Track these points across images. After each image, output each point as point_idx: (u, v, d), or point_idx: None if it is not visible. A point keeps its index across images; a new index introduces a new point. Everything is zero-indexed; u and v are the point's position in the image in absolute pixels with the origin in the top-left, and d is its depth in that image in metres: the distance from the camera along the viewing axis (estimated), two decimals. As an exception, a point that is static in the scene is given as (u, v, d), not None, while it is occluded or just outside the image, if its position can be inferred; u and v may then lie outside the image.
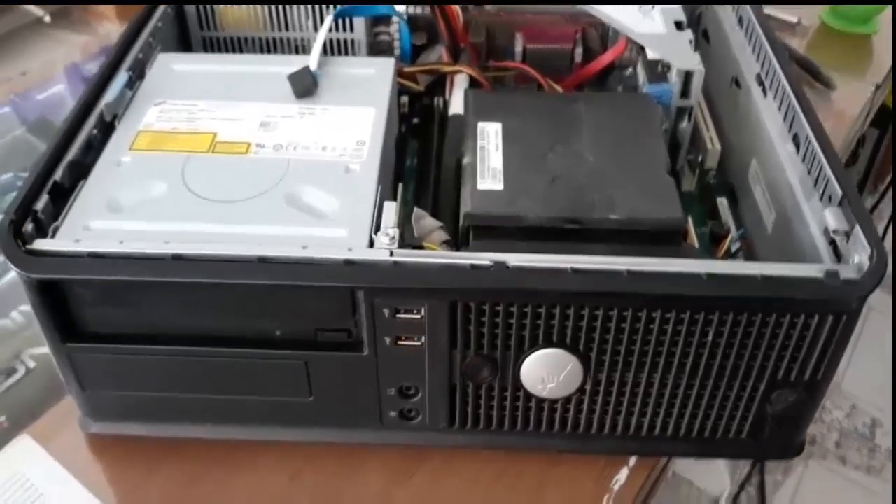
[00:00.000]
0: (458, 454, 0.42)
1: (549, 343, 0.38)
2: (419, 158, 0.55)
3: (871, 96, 0.70)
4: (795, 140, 0.45)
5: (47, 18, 0.93)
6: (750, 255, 0.49)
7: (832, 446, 1.18)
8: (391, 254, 0.36)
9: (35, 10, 0.93)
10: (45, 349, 0.39)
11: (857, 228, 0.38)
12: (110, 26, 0.96)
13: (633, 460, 0.43)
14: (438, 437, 0.42)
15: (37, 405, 0.45)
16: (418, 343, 0.38)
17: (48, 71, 0.85)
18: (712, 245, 0.51)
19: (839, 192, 0.39)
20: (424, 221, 0.43)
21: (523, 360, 0.38)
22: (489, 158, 0.42)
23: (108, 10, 0.98)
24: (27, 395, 0.46)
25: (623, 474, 0.42)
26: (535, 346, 0.38)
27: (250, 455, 0.42)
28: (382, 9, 0.55)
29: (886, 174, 1.31)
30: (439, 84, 0.57)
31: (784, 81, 0.46)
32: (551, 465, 0.42)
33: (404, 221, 0.42)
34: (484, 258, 0.36)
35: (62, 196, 0.39)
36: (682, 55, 0.49)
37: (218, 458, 0.42)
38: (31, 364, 0.47)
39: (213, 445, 0.42)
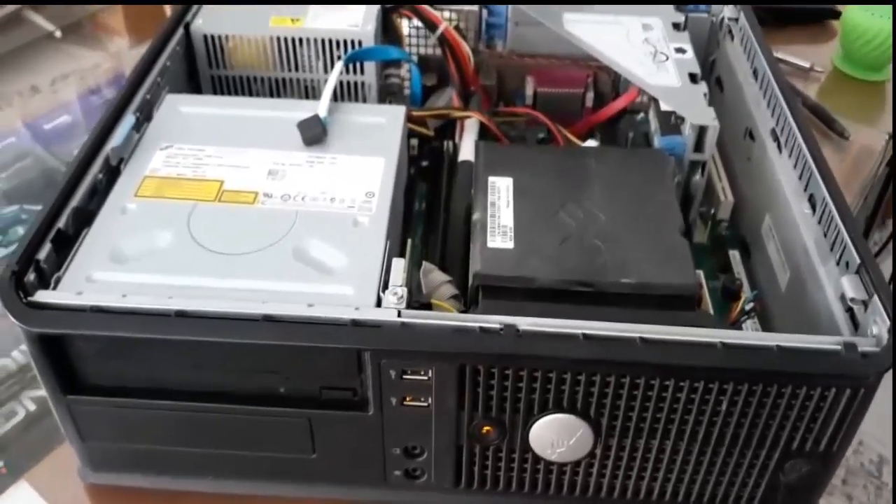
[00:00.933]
0: (463, 516, 0.41)
1: (559, 408, 0.37)
2: (428, 202, 0.55)
3: (885, 145, 0.70)
4: (811, 200, 0.44)
5: (58, 33, 0.93)
6: (764, 316, 0.48)
7: (839, 483, 1.16)
8: (399, 314, 0.36)
9: (46, 24, 0.93)
10: (45, 392, 0.38)
11: (876, 298, 0.37)
12: (121, 41, 0.96)
13: (641, 526, 0.42)
14: (444, 497, 0.41)
15: (36, 450, 0.44)
16: (425, 404, 0.37)
17: (58, 86, 0.85)
18: (724, 300, 0.50)
19: (857, 259, 0.39)
20: (433, 276, 0.42)
21: (532, 423, 0.37)
22: (500, 215, 0.41)
23: (119, 24, 0.98)
24: (26, 438, 0.45)
25: (632, 541, 0.41)
26: (544, 411, 0.37)
27: (251, 510, 0.41)
28: (393, 52, 0.54)
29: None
30: (449, 127, 0.57)
31: (800, 139, 0.46)
32: (558, 530, 0.41)
33: (412, 273, 0.41)
34: (494, 321, 0.35)
35: (66, 244, 0.38)
36: (696, 109, 0.49)
37: (218, 512, 0.41)
38: (31, 407, 0.46)
39: (214, 499, 0.41)
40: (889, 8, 0.73)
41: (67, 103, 0.80)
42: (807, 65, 0.77)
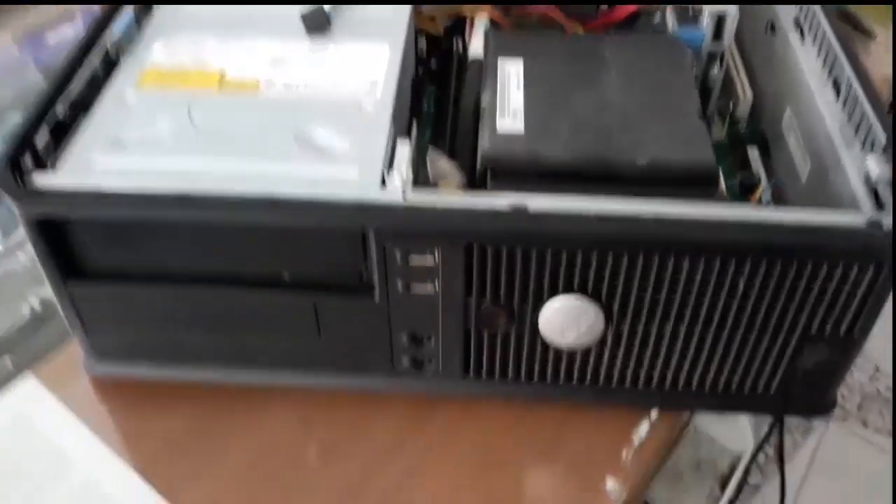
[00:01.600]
0: (473, 404, 0.41)
1: (569, 291, 0.36)
2: (437, 104, 0.53)
3: (913, 47, 0.67)
4: (836, 86, 0.42)
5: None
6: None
7: (854, 408, 1.16)
8: (404, 195, 0.35)
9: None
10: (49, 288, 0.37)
11: (902, 175, 0.35)
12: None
13: (654, 413, 0.41)
14: (452, 386, 0.40)
15: (42, 346, 0.44)
16: (431, 289, 0.36)
17: (63, 13, 0.83)
18: (742, 197, 0.48)
19: (883, 138, 0.37)
20: (440, 163, 0.41)
21: (542, 308, 0.36)
22: (510, 98, 0.40)
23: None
24: (32, 335, 0.45)
25: (644, 428, 0.40)
26: (554, 294, 0.36)
27: (259, 401, 0.41)
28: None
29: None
30: (459, 27, 0.55)
31: (825, 24, 0.44)
32: (569, 416, 0.41)
33: (419, 163, 0.40)
34: (502, 201, 0.34)
35: (64, 131, 0.38)
36: (715, -5, 0.47)
37: (226, 403, 0.41)
38: (38, 306, 0.46)
39: (220, 390, 0.41)
40: None
41: (70, 16, 0.78)
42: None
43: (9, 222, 0.48)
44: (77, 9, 0.77)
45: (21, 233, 0.35)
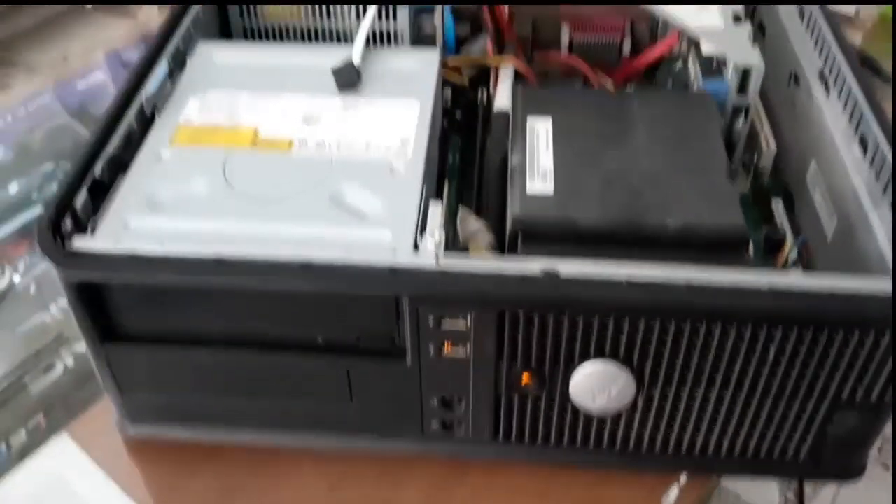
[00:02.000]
0: (502, 468, 0.41)
1: (600, 356, 0.36)
2: (462, 155, 0.53)
3: (933, 93, 0.67)
4: (862, 143, 0.42)
5: (89, 5, 0.93)
6: (809, 265, 0.47)
7: (874, 452, 1.15)
8: (437, 259, 0.35)
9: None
10: (84, 347, 0.38)
11: (933, 241, 0.35)
12: (150, 11, 0.95)
13: (683, 478, 0.41)
14: (482, 449, 0.40)
15: (75, 404, 0.44)
16: (463, 353, 0.36)
17: (89, 55, 0.85)
18: (766, 252, 0.48)
19: (912, 200, 0.37)
20: (469, 222, 0.41)
21: (573, 372, 0.37)
22: (539, 158, 0.40)
23: (150, -7, 0.97)
24: (66, 392, 0.45)
25: (673, 493, 0.40)
26: (585, 359, 0.36)
27: (290, 463, 0.41)
28: (427, -2, 0.53)
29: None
30: (484, 77, 0.55)
31: (850, 79, 0.44)
32: (599, 481, 0.41)
33: (449, 221, 0.40)
34: (534, 266, 0.35)
35: (101, 192, 0.38)
36: (740, 50, 0.47)
37: (257, 465, 0.41)
38: (70, 362, 0.47)
39: (252, 452, 0.41)
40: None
41: (99, 65, 0.80)
42: (851, 12, 0.74)
43: (44, 275, 0.49)
44: (102, 58, 0.78)
45: (56, 287, 0.35)
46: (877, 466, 1.14)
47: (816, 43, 0.49)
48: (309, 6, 0.52)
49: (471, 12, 0.58)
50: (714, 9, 0.50)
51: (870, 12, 0.75)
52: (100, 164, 0.39)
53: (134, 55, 0.82)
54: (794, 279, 0.34)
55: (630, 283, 0.34)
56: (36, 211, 0.56)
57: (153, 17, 0.95)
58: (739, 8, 0.51)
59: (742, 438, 0.39)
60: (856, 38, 0.72)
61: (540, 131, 0.42)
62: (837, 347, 0.35)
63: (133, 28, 0.90)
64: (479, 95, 0.55)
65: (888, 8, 0.75)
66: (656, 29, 0.58)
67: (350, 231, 0.36)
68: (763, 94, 0.55)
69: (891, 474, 1.12)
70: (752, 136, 0.52)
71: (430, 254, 0.35)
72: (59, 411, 0.45)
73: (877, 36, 0.74)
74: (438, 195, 0.39)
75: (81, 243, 0.35)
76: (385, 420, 0.40)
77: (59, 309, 0.49)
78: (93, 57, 0.83)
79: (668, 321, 0.35)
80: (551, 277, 0.34)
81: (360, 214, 0.37)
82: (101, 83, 0.74)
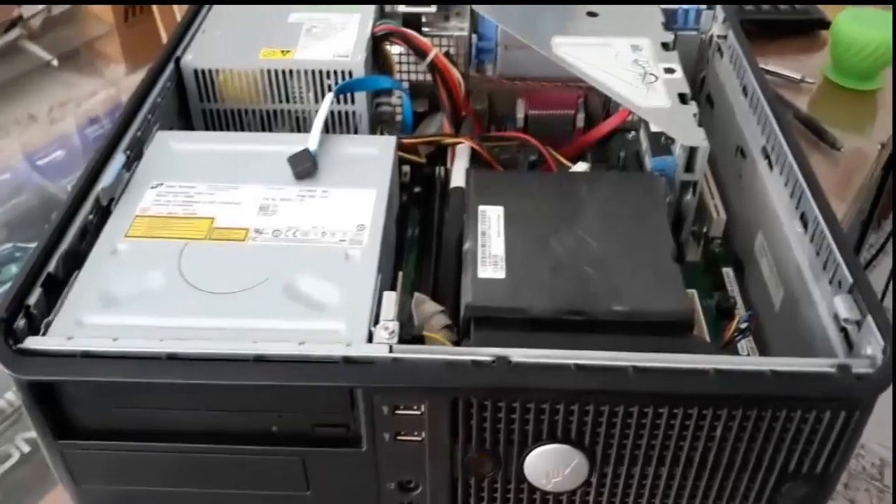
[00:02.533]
0: (461, 550, 0.41)
1: (552, 439, 0.37)
2: (421, 228, 0.55)
3: (877, 155, 0.70)
4: (803, 219, 0.44)
5: (55, 62, 0.94)
6: (759, 334, 0.48)
7: (841, 487, 1.16)
8: (391, 350, 0.36)
9: (43, 54, 0.94)
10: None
11: (869, 319, 0.37)
12: (117, 68, 0.97)
13: (641, 552, 0.41)
14: (440, 531, 0.41)
15: (31, 492, 0.44)
16: (419, 438, 0.37)
17: (56, 113, 0.86)
18: (719, 318, 0.50)
19: (849, 279, 0.38)
20: (425, 307, 0.42)
21: (527, 455, 0.37)
22: (490, 244, 0.41)
23: (115, 52, 0.99)
24: (22, 481, 0.45)
25: (631, 570, 0.41)
26: (538, 442, 0.37)
27: (248, 549, 0.41)
28: (384, 82, 0.54)
29: (889, 211, 1.30)
30: (441, 153, 0.57)
31: (790, 157, 0.46)
32: (557, 559, 0.41)
33: (405, 305, 0.41)
34: (485, 354, 0.35)
35: (56, 287, 0.39)
36: (686, 130, 0.49)
37: (214, 554, 0.41)
38: (26, 448, 0.46)
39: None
40: (877, 16, 0.73)
41: (64, 134, 0.80)
42: (798, 76, 0.77)
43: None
44: (71, 126, 0.79)
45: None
46: (842, 502, 1.15)
47: (759, 120, 0.51)
48: (267, 87, 0.53)
49: (428, 88, 0.60)
50: (660, 88, 0.52)
51: (816, 75, 0.78)
52: (55, 259, 0.39)
53: (104, 119, 0.83)
54: (736, 361, 0.36)
55: (578, 366, 0.35)
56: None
57: (119, 75, 0.96)
58: (685, 86, 0.52)
59: (696, 513, 0.39)
60: (802, 102, 0.75)
61: (492, 217, 0.43)
62: (781, 424, 0.36)
63: (100, 86, 0.91)
64: (437, 171, 0.56)
65: (832, 70, 0.78)
66: (609, 102, 0.60)
67: (304, 323, 0.37)
68: (713, 164, 0.57)
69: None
70: (703, 205, 0.54)
71: (383, 345, 0.36)
72: (15, 500, 0.44)
73: (823, 99, 0.77)
74: (394, 286, 0.40)
75: (34, 343, 0.35)
76: (343, 506, 0.40)
77: (14, 394, 0.48)
78: (60, 120, 0.84)
79: (617, 405, 0.35)
80: (503, 364, 0.35)
81: (314, 305, 0.38)
82: (65, 156, 0.75)
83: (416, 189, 0.56)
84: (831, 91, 0.78)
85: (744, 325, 0.46)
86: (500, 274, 0.40)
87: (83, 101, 0.89)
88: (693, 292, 0.51)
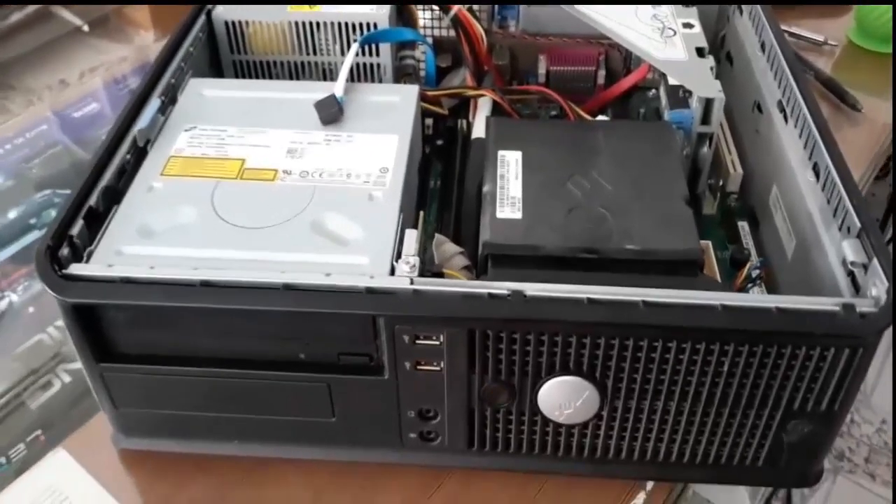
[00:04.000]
0: (477, 476, 0.43)
1: (565, 371, 0.38)
2: (442, 180, 0.56)
3: (898, 117, 0.70)
4: (815, 169, 0.45)
5: (85, 28, 0.96)
6: (770, 283, 0.49)
7: (861, 461, 1.16)
8: (411, 282, 0.37)
9: (73, 19, 0.95)
10: (79, 364, 0.40)
11: (875, 261, 0.38)
12: (146, 35, 0.98)
13: (650, 485, 0.43)
14: (457, 458, 0.43)
15: (72, 419, 0.47)
16: (437, 368, 0.39)
17: (86, 79, 0.87)
18: (733, 270, 0.51)
19: (858, 224, 0.40)
20: (445, 247, 0.44)
21: (540, 386, 0.39)
22: (509, 187, 0.43)
23: (144, 19, 1.00)
24: (63, 408, 0.48)
25: (640, 498, 0.43)
26: (551, 374, 0.38)
27: (276, 472, 0.43)
28: (408, 34, 0.56)
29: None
30: (463, 106, 0.58)
31: (805, 110, 0.47)
32: (569, 488, 0.43)
33: (426, 246, 0.43)
34: (501, 287, 0.37)
35: (97, 220, 0.41)
36: (702, 82, 0.50)
37: (244, 474, 0.43)
38: (67, 379, 0.49)
39: (240, 462, 0.43)
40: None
41: (95, 93, 0.82)
42: (821, 38, 0.77)
43: (42, 296, 0.51)
44: (99, 83, 0.81)
45: (53, 308, 0.38)
46: (864, 476, 1.16)
47: (776, 75, 0.51)
48: (295, 40, 0.55)
49: (451, 44, 0.61)
50: (678, 42, 0.53)
51: (840, 38, 0.78)
52: (95, 194, 0.41)
53: (131, 80, 0.85)
54: (743, 298, 0.37)
55: (590, 300, 0.37)
56: (34, 236, 0.59)
57: (149, 41, 0.98)
58: (702, 40, 0.53)
59: (703, 446, 0.41)
60: (824, 64, 0.75)
61: (510, 162, 0.44)
62: (787, 361, 0.37)
63: (129, 52, 0.92)
64: (459, 124, 0.58)
65: (856, 33, 0.78)
66: (629, 59, 0.61)
67: (330, 257, 0.39)
68: (730, 120, 0.58)
69: (877, 484, 1.14)
70: (720, 160, 0.55)
71: (404, 278, 0.38)
72: (57, 426, 0.47)
73: (846, 62, 0.77)
74: (415, 224, 0.42)
75: (77, 269, 0.37)
76: (365, 432, 0.42)
77: (56, 329, 0.51)
78: (90, 81, 0.86)
79: (627, 338, 0.37)
80: (518, 297, 0.37)
81: (340, 241, 0.40)
82: (99, 110, 0.77)
83: (439, 142, 0.58)
84: (855, 54, 0.78)
85: (755, 273, 0.47)
86: (517, 214, 0.41)
87: (113, 66, 0.90)
88: (708, 243, 0.52)
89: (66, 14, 0.96)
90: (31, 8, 0.93)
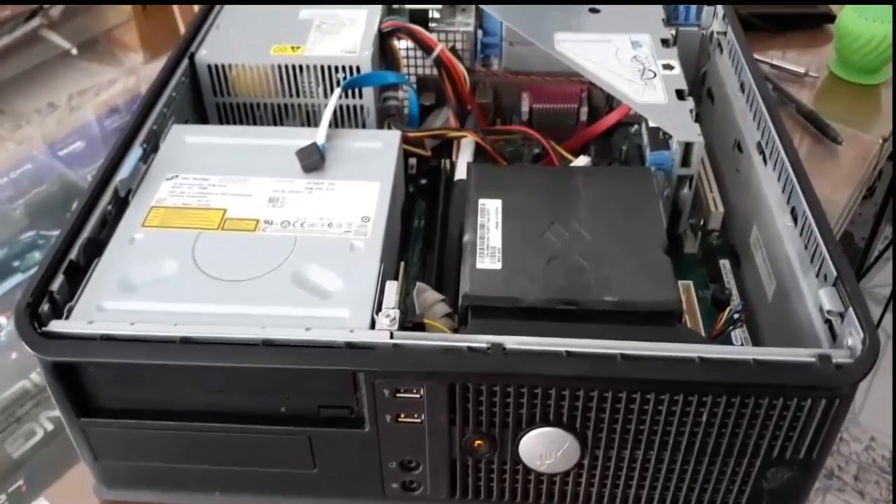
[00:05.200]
0: (459, 525, 0.43)
1: (545, 422, 0.38)
2: (426, 219, 0.56)
3: (879, 150, 0.71)
4: (794, 213, 0.45)
5: (74, 51, 0.96)
6: (751, 322, 0.50)
7: (850, 479, 1.17)
8: (391, 336, 0.37)
9: (62, 42, 0.96)
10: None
11: (851, 311, 0.38)
12: (135, 57, 0.99)
13: (631, 532, 0.43)
14: (440, 508, 0.43)
15: (54, 468, 0.47)
16: (419, 420, 0.39)
17: (75, 102, 0.87)
18: (714, 310, 0.51)
19: (834, 272, 0.40)
20: (426, 295, 0.44)
21: (521, 437, 0.39)
22: (489, 237, 0.43)
23: (133, 41, 1.01)
24: (45, 457, 0.47)
25: (620, 548, 0.43)
26: (532, 425, 0.39)
27: (257, 523, 0.43)
28: (391, 77, 0.56)
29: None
30: (446, 146, 0.58)
31: (783, 153, 0.47)
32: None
33: (408, 290, 0.43)
34: (481, 341, 0.37)
35: (78, 274, 0.41)
36: (682, 126, 0.50)
37: (225, 526, 0.43)
38: (49, 427, 0.49)
39: (221, 513, 0.43)
40: (882, 10, 0.74)
41: (85, 124, 0.83)
42: (802, 70, 0.78)
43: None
44: (87, 117, 0.81)
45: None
46: (854, 494, 1.16)
47: (755, 117, 0.52)
48: (278, 82, 0.55)
49: (434, 82, 0.62)
50: (658, 84, 0.53)
51: (820, 69, 0.79)
52: (76, 247, 0.41)
53: (121, 111, 0.85)
54: (721, 350, 0.37)
55: (569, 353, 0.37)
56: (18, 279, 0.59)
57: (137, 63, 0.98)
58: (682, 82, 0.54)
59: (683, 494, 0.41)
60: (806, 96, 0.76)
61: (490, 210, 0.45)
62: (765, 411, 0.37)
63: (118, 75, 0.92)
64: (442, 164, 0.58)
65: (836, 64, 0.79)
66: (612, 97, 0.61)
67: (311, 310, 0.39)
68: (712, 157, 0.58)
69: (866, 502, 1.14)
70: (702, 198, 0.55)
71: (384, 331, 0.38)
72: (39, 476, 0.47)
73: (826, 93, 0.78)
74: (396, 275, 0.42)
75: (57, 326, 0.38)
76: (347, 483, 0.42)
77: (39, 375, 0.51)
78: (78, 108, 0.86)
79: (606, 390, 0.37)
80: (497, 351, 0.37)
81: (320, 293, 0.40)
82: (82, 150, 0.77)
83: (422, 181, 0.58)
84: (836, 85, 0.78)
85: (736, 316, 0.47)
86: (497, 265, 0.42)
87: (102, 89, 0.91)
88: (689, 283, 0.53)
89: (54, 37, 0.96)
90: (19, 31, 0.93)
